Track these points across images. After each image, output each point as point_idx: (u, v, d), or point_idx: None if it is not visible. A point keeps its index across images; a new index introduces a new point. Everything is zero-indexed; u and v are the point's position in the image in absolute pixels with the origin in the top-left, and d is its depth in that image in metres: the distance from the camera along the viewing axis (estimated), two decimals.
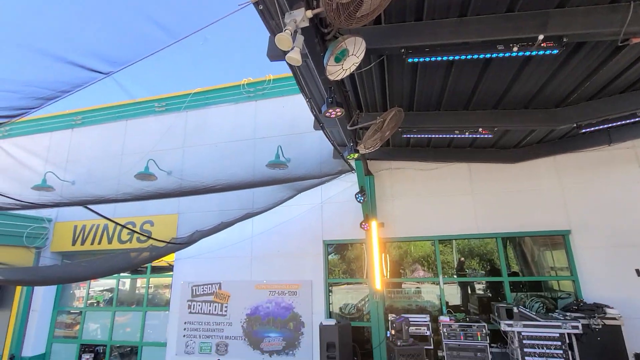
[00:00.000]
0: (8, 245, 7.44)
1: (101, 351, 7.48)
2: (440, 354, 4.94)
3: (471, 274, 6.01)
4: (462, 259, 6.16)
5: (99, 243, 7.82)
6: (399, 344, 4.48)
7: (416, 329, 4.96)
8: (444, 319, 4.86)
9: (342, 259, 6.77)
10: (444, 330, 4.74)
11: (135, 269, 7.91)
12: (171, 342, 6.70)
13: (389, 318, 5.16)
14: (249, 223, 6.91)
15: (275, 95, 7.63)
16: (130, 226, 7.66)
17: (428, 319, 5.03)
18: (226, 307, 6.54)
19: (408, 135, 4.74)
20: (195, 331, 6.58)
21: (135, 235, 7.65)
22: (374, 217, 6.05)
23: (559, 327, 4.35)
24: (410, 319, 4.91)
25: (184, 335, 6.61)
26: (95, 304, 7.96)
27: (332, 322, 5.00)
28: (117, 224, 5.75)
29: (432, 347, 4.92)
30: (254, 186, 6.15)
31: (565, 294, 5.46)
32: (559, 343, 4.33)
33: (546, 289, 5.65)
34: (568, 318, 4.44)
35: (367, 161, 6.50)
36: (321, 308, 6.11)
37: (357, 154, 4.27)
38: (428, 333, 4.96)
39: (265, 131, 7.47)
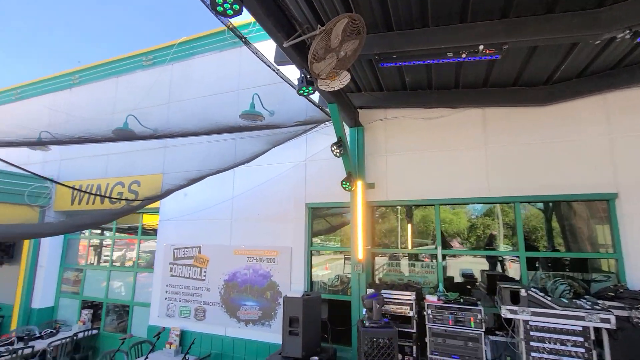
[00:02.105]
0: (11, 203, 7.62)
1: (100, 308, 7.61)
2: (427, 339, 4.06)
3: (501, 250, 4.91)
4: (495, 232, 5.01)
5: (93, 203, 7.77)
6: (366, 324, 3.67)
7: (397, 308, 4.09)
8: (431, 298, 3.92)
9: (330, 225, 5.98)
10: (428, 311, 3.83)
11: (129, 232, 7.82)
12: (154, 304, 6.52)
13: (367, 293, 4.33)
14: (230, 183, 6.30)
15: (261, 39, 6.66)
16: (120, 187, 7.47)
17: (413, 297, 4.12)
18: (205, 271, 6.13)
19: (387, 64, 3.63)
20: (176, 294, 6.30)
21: (124, 195, 7.46)
22: (360, 177, 5.08)
23: (582, 318, 3.23)
24: (387, 296, 4.04)
25: (166, 298, 6.38)
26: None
27: (298, 294, 4.30)
28: (67, 186, 5.41)
29: (415, 330, 4.04)
30: (226, 132, 5.46)
31: (604, 277, 4.21)
32: (581, 339, 3.24)
33: (584, 269, 4.41)
34: (597, 307, 3.29)
35: (358, 110, 5.45)
36: (301, 277, 5.44)
37: (309, 87, 3.32)
38: (411, 314, 4.07)
39: (250, 81, 6.63)
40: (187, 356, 4.70)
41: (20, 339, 6.44)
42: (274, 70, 3.66)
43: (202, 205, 6.49)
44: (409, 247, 5.18)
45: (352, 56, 3.07)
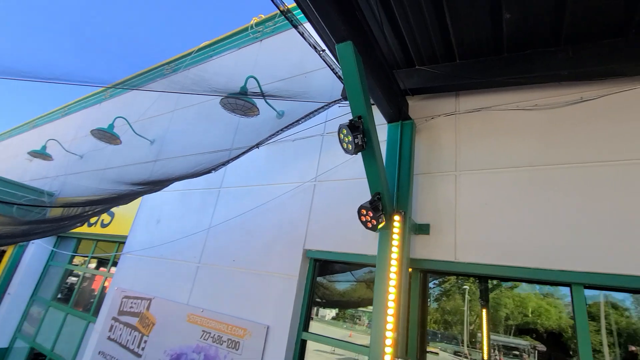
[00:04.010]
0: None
1: None
2: None
3: None
4: (634, 349, 2.13)
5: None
6: None
7: None
8: None
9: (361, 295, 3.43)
10: None
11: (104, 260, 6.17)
12: None
13: None
14: (212, 208, 4.30)
15: (284, 28, 5.12)
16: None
17: None
18: (145, 342, 3.90)
19: None
20: None
21: (101, 215, 5.99)
22: (399, 209, 2.64)
23: None
24: None
25: None
26: None
27: None
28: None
29: None
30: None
31: None
32: None
33: None
34: None
35: (408, 99, 3.21)
36: None
37: None
38: None
39: (266, 75, 4.96)
40: None
41: None
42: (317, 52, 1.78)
43: (175, 235, 4.53)
44: None
45: None
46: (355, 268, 3.31)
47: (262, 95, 3.24)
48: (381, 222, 2.37)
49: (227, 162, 3.68)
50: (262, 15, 5.67)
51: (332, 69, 2.75)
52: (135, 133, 5.89)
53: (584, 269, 2.08)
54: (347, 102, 3.31)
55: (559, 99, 2.51)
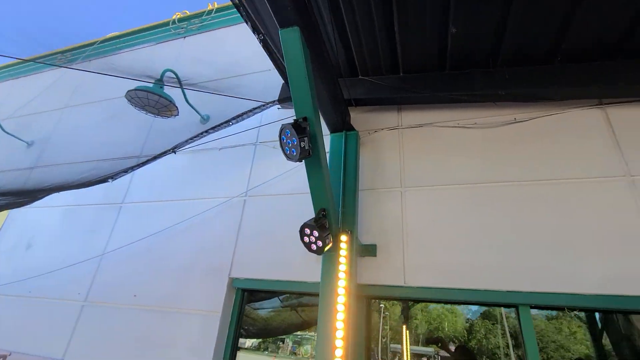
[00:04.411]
0: None
1: None
2: None
3: None
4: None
5: None
6: None
7: None
8: None
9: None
10: None
11: None
12: None
13: None
14: (108, 228, 3.40)
15: (212, 27, 4.62)
16: None
17: None
18: None
19: None
20: None
21: None
22: (346, 229, 2.33)
23: None
24: None
25: None
26: None
27: None
28: None
29: None
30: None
31: None
32: None
33: None
34: None
35: (350, 110, 3.00)
36: None
37: None
38: None
39: (192, 75, 4.33)
40: None
41: None
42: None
43: (52, 264, 3.43)
44: None
45: None
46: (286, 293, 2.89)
47: (181, 85, 2.69)
48: (328, 244, 2.02)
49: (133, 168, 2.94)
50: (187, 12, 5.07)
51: (274, 61, 2.38)
52: (5, 131, 4.55)
53: (529, 289, 2.03)
54: (283, 106, 2.96)
55: (496, 119, 2.57)
